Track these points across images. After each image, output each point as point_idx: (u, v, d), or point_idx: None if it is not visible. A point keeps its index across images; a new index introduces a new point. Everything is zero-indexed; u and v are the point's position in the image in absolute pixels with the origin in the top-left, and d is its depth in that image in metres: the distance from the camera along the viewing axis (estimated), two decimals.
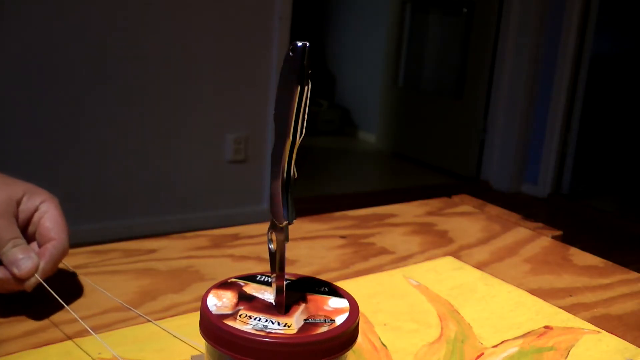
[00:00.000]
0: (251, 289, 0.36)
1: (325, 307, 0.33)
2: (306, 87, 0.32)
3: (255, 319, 0.32)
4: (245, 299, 0.34)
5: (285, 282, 0.35)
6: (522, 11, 3.47)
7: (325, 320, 0.32)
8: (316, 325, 0.32)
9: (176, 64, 2.45)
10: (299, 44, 0.31)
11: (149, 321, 0.46)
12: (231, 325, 0.31)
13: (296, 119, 0.32)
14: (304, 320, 0.32)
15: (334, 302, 0.34)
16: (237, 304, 0.34)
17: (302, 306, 0.34)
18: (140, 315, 0.46)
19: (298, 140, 0.33)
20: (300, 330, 0.31)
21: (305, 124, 0.33)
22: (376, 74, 4.45)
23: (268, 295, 0.35)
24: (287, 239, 0.34)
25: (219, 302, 0.34)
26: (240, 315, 0.33)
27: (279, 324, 0.32)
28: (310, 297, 0.35)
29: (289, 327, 0.32)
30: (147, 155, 2.48)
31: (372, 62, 4.51)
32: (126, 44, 2.34)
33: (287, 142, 0.32)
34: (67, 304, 0.47)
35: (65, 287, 0.50)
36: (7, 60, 2.16)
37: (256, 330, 0.31)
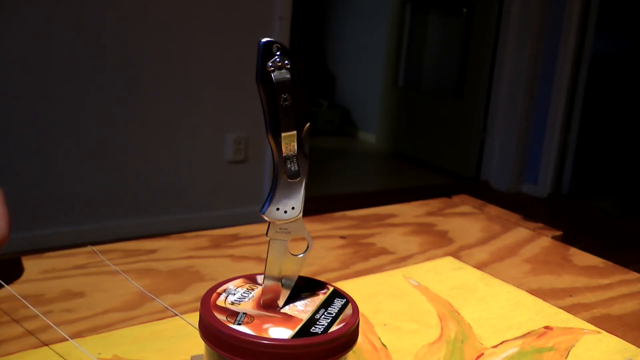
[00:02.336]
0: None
1: (265, 326, 0.32)
2: (275, 85, 0.32)
3: (234, 293, 0.35)
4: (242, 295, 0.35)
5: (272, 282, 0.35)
6: (522, 11, 3.47)
7: (236, 321, 0.32)
8: (234, 316, 0.33)
9: (176, 64, 2.46)
10: (260, 40, 0.32)
11: (176, 315, 0.46)
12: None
13: (271, 115, 0.32)
14: (243, 312, 0.33)
15: (275, 331, 0.32)
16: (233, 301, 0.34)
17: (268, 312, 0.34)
18: (167, 308, 0.46)
19: (282, 137, 0.33)
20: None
21: (281, 121, 0.33)
22: (376, 74, 4.46)
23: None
24: (266, 234, 0.35)
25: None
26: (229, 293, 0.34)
27: (242, 295, 0.35)
28: (288, 310, 0.34)
29: (239, 302, 0.34)
30: (147, 155, 2.48)
31: (372, 62, 4.51)
32: (126, 45, 2.34)
33: (266, 139, 0.33)
34: (68, 305, 0.47)
35: (66, 287, 0.50)
36: (7, 61, 2.16)
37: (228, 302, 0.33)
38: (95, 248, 0.57)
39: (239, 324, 0.32)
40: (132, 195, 2.48)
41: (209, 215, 2.64)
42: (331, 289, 0.37)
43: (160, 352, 0.41)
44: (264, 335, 0.31)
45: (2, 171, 2.21)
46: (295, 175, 0.34)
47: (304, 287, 0.37)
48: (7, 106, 2.19)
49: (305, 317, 0.34)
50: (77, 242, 2.29)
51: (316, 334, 0.32)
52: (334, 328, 0.32)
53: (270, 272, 0.35)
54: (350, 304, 0.35)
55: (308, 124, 0.34)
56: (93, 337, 0.43)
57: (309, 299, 0.36)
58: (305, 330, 0.32)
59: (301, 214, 0.35)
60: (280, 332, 0.31)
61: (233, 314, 0.33)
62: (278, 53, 0.32)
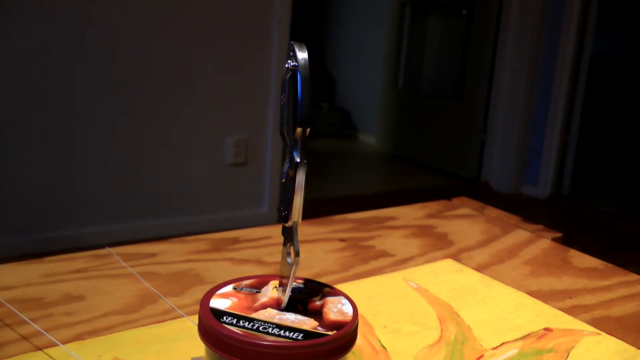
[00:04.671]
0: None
1: (230, 297, 0.34)
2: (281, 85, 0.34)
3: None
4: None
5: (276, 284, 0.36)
6: (521, 11, 3.47)
7: (243, 287, 0.35)
8: (251, 287, 0.34)
9: (176, 67, 2.46)
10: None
11: (182, 316, 0.46)
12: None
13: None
14: (256, 290, 0.35)
15: (216, 302, 0.34)
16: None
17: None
18: (174, 308, 0.47)
19: (281, 135, 0.33)
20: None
21: (281, 120, 0.33)
22: (376, 75, 4.46)
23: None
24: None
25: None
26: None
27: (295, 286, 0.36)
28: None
29: (280, 289, 0.35)
30: (147, 158, 2.48)
31: (372, 64, 4.51)
32: (126, 48, 2.35)
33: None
34: (68, 308, 0.47)
35: (66, 290, 0.50)
36: (6, 61, 2.16)
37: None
38: (95, 252, 0.57)
39: (235, 289, 0.35)
40: (132, 199, 2.48)
41: (210, 218, 2.64)
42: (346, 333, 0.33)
43: (160, 354, 0.41)
44: (209, 305, 0.33)
45: (3, 175, 2.22)
46: (283, 175, 0.33)
47: (327, 310, 0.34)
48: (7, 110, 2.19)
49: (263, 318, 0.33)
50: (77, 246, 2.29)
51: (230, 325, 0.31)
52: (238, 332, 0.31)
53: (280, 270, 0.36)
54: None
55: (300, 128, 0.32)
56: (93, 339, 0.43)
57: (305, 319, 0.33)
58: (214, 318, 0.32)
59: (293, 223, 0.33)
60: (218, 303, 0.33)
61: (254, 287, 0.35)
62: (290, 54, 0.33)
